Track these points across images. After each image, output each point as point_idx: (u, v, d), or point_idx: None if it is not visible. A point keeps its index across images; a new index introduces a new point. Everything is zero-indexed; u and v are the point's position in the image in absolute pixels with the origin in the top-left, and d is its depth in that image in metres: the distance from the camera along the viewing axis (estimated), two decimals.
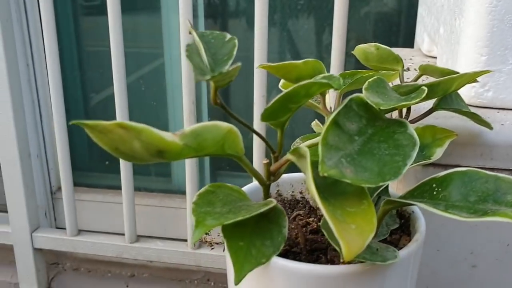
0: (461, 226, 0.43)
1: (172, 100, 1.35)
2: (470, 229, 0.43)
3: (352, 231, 0.24)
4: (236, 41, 0.31)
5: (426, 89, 0.32)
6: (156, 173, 1.42)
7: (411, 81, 0.43)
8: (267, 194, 0.34)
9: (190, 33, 0.31)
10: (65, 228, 1.17)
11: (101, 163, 1.41)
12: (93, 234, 1.19)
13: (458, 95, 0.40)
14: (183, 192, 1.11)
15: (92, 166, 1.43)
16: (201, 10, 1.26)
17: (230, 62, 0.30)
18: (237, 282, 0.28)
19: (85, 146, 1.44)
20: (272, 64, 0.38)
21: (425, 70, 0.41)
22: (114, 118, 0.99)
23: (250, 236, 0.30)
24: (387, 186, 0.36)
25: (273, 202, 0.31)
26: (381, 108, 0.30)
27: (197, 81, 0.26)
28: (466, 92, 0.47)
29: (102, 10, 1.04)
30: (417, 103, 0.32)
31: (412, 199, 0.31)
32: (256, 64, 0.88)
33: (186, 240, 1.12)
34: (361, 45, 0.44)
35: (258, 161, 0.95)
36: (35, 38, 1.24)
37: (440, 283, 0.45)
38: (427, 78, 0.44)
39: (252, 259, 0.29)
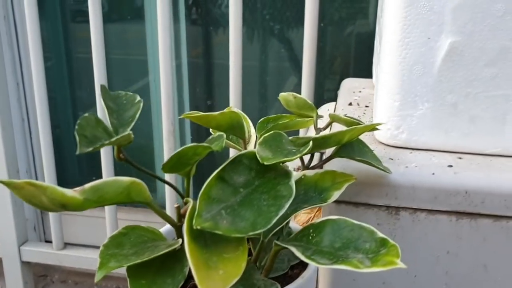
0: None
1: (156, 117, 1.40)
2: None
3: (217, 277, 0.29)
4: (141, 104, 0.36)
5: (311, 144, 0.36)
6: None
7: (323, 127, 0.47)
8: (179, 234, 0.38)
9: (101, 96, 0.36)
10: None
11: (89, 179, 1.46)
12: (79, 248, 1.24)
13: (361, 141, 0.44)
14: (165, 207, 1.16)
15: (81, 181, 1.48)
16: (183, 15, 1.31)
17: (133, 123, 0.34)
18: None
19: (74, 162, 1.49)
20: (194, 115, 0.42)
21: (333, 118, 0.45)
22: None
23: (154, 275, 0.35)
24: (288, 221, 0.40)
25: (178, 243, 0.36)
26: (265, 163, 0.34)
27: (80, 152, 0.30)
28: (383, 134, 0.51)
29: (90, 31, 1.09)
30: (301, 156, 0.36)
31: (293, 242, 0.35)
32: (232, 69, 0.93)
33: None
34: (283, 93, 0.49)
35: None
36: (25, 58, 1.30)
37: None
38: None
39: None
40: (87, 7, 0.97)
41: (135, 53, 1.38)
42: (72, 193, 0.30)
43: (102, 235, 1.27)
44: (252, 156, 0.36)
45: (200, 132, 1.42)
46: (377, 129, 0.47)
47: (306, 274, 0.37)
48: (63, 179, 1.45)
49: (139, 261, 0.33)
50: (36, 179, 1.36)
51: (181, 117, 0.44)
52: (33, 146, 1.34)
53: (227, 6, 1.27)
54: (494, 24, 0.45)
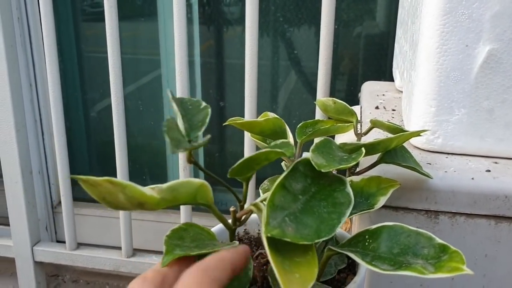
0: None
1: (168, 111, 1.41)
2: None
3: (296, 280, 0.30)
4: (209, 109, 0.36)
5: (364, 151, 0.37)
6: None
7: (363, 132, 0.48)
8: (232, 237, 0.39)
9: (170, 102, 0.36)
10: (65, 242, 1.22)
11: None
12: (92, 248, 1.24)
13: (403, 148, 0.45)
14: (178, 208, 1.16)
15: None
16: (196, 16, 1.32)
17: (204, 128, 0.35)
18: None
19: (86, 162, 1.50)
20: (238, 121, 0.43)
21: (375, 124, 0.46)
22: (112, 135, 1.05)
23: None
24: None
25: (235, 244, 0.37)
26: (322, 170, 0.35)
27: (173, 152, 0.31)
28: (419, 139, 0.52)
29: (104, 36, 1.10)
30: (355, 164, 0.37)
31: (348, 247, 0.36)
32: (247, 70, 0.94)
33: None
34: (321, 98, 0.49)
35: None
36: (38, 60, 1.30)
37: None
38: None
39: None
40: (97, 6, 0.97)
41: (147, 52, 1.39)
42: (151, 191, 0.31)
43: (115, 235, 1.28)
44: (307, 162, 0.36)
45: (211, 130, 1.42)
46: (420, 135, 0.48)
47: (357, 279, 0.38)
48: (75, 180, 1.45)
49: (202, 252, 0.34)
50: (48, 179, 1.36)
51: (226, 123, 0.45)
52: (45, 147, 1.34)
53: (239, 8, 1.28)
54: None
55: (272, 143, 0.40)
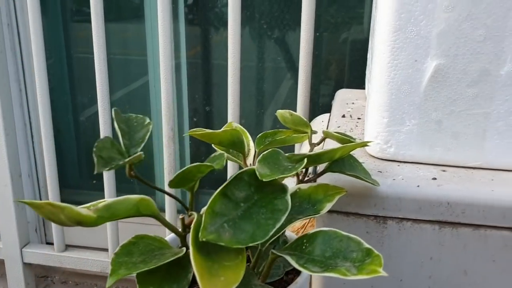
0: None
1: (156, 116, 1.44)
2: None
3: (219, 283, 0.32)
4: (151, 126, 0.39)
5: (305, 161, 0.40)
6: (140, 192, 1.50)
7: (317, 143, 0.51)
8: (183, 243, 0.42)
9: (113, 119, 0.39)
10: (53, 243, 1.25)
11: (89, 182, 1.50)
12: (80, 249, 1.27)
13: (351, 156, 0.47)
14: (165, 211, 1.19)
15: (81, 184, 1.52)
16: (182, 15, 1.34)
17: (143, 144, 0.38)
18: None
19: (75, 165, 1.53)
20: (198, 133, 0.46)
21: (326, 135, 0.49)
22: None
23: (161, 281, 0.38)
24: (284, 231, 0.44)
25: (182, 251, 0.39)
26: (264, 180, 0.38)
27: (97, 171, 0.34)
28: (373, 147, 0.55)
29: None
30: (296, 173, 0.40)
31: (288, 250, 0.38)
32: (230, 69, 0.96)
33: None
34: (280, 111, 0.52)
35: None
36: (28, 65, 1.33)
37: None
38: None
39: None
40: (86, 14, 1.00)
41: (134, 53, 1.42)
42: (86, 211, 0.34)
43: (102, 237, 1.31)
44: (252, 172, 0.39)
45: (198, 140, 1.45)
46: (367, 145, 0.51)
47: (299, 280, 0.40)
48: (65, 182, 1.48)
49: (146, 269, 0.36)
50: (38, 182, 1.39)
51: (185, 134, 0.48)
52: (35, 150, 1.37)
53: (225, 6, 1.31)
54: (475, 48, 0.49)
55: (212, 155, 0.43)
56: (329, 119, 0.73)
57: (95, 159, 0.34)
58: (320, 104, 1.37)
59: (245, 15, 1.28)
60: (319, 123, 0.79)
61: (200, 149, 1.45)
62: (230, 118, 1.01)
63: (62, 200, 1.23)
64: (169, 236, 0.45)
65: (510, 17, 0.48)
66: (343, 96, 0.81)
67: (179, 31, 1.36)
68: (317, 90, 1.39)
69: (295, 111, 1.03)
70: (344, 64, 1.40)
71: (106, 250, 1.24)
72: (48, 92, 1.11)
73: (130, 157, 0.34)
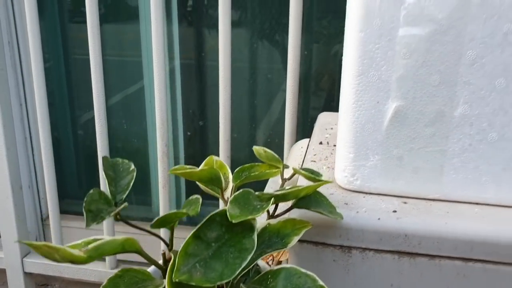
0: None
1: (151, 119, 1.48)
2: None
3: None
4: (135, 173, 0.44)
5: (272, 200, 0.45)
6: (137, 201, 1.56)
7: (288, 178, 0.56)
8: (164, 275, 0.47)
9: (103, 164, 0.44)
10: None
11: (87, 192, 1.55)
12: None
13: (318, 193, 0.52)
14: None
15: (81, 194, 1.57)
16: (175, 16, 1.39)
17: (128, 191, 0.43)
18: None
19: (74, 176, 1.58)
20: (179, 171, 0.51)
21: (295, 171, 0.54)
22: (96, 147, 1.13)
23: None
24: (255, 264, 0.49)
25: (163, 283, 0.44)
26: (233, 221, 0.43)
27: (87, 226, 0.39)
28: (341, 180, 0.59)
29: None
30: (263, 213, 0.45)
31: (255, 285, 0.43)
32: (221, 68, 1.02)
33: None
34: (256, 147, 0.57)
35: None
36: (28, 80, 1.38)
37: None
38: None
39: None
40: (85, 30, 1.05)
41: (130, 54, 1.46)
42: (78, 252, 0.39)
43: None
44: (224, 213, 0.44)
45: (193, 148, 1.50)
46: (331, 182, 0.56)
47: None
48: (64, 192, 1.53)
49: None
50: (38, 193, 1.44)
51: (170, 172, 0.53)
52: (35, 163, 1.42)
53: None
54: (431, 92, 0.54)
55: (188, 199, 0.48)
56: (308, 145, 0.77)
57: (85, 214, 0.39)
58: (310, 116, 1.42)
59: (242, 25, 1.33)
60: (299, 149, 0.84)
61: (196, 165, 1.50)
62: (221, 132, 1.06)
63: (62, 210, 1.28)
64: (150, 268, 0.50)
65: (461, 64, 0.53)
66: (323, 120, 0.86)
67: (172, 33, 1.40)
68: (309, 102, 1.44)
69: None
70: (336, 77, 1.45)
71: (103, 260, 1.29)
72: (47, 106, 1.16)
73: (117, 209, 0.39)
